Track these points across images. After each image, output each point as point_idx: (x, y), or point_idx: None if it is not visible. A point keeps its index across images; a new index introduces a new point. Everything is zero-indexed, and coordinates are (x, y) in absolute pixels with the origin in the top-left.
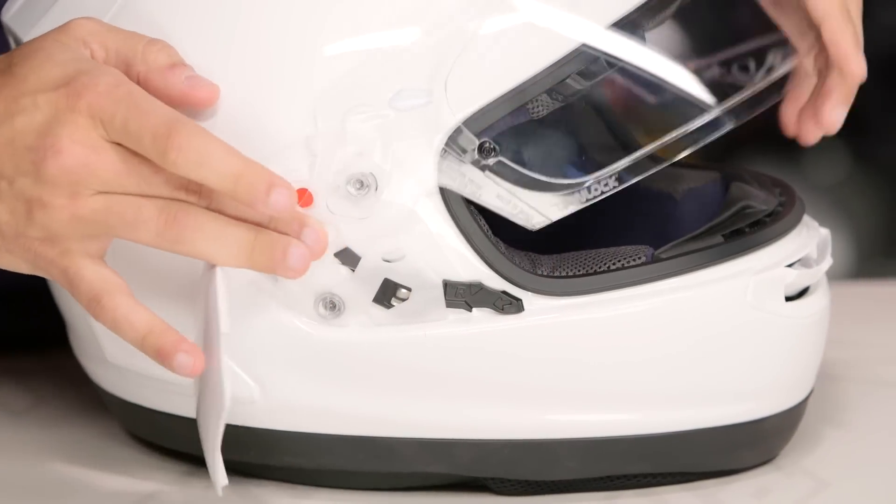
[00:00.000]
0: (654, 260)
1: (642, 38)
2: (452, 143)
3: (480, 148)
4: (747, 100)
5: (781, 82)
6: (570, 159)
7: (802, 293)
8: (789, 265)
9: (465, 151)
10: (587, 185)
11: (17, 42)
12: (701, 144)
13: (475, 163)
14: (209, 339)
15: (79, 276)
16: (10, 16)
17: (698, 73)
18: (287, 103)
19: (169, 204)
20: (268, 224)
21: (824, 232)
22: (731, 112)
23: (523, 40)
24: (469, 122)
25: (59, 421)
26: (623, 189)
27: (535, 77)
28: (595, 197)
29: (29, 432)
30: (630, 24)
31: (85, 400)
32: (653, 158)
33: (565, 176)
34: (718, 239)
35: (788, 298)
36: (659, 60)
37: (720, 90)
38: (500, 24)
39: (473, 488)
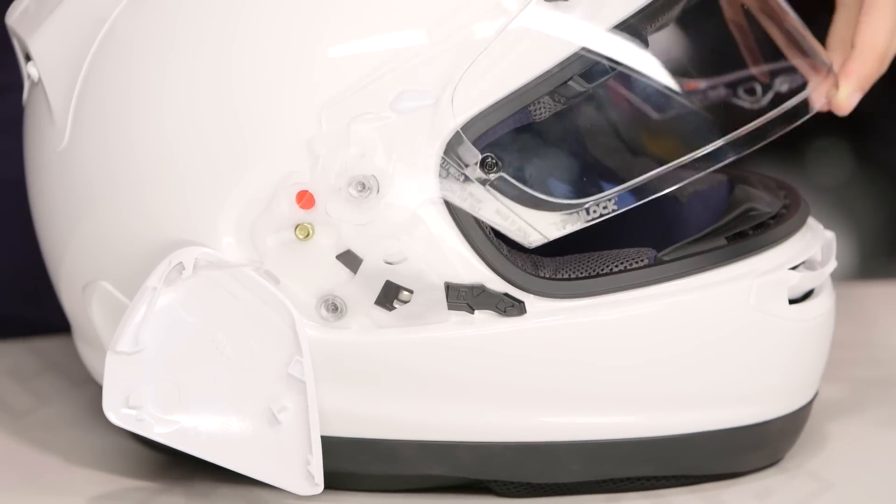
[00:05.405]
0: (658, 262)
1: (645, 42)
2: (454, 155)
3: (483, 162)
4: (757, 129)
5: (792, 114)
6: (572, 179)
7: (807, 296)
8: (793, 268)
9: (466, 165)
10: (587, 206)
11: (21, 44)
12: (703, 172)
13: (477, 177)
14: None
15: None
16: (14, 18)
17: (703, 93)
18: (290, 105)
19: None
20: None
21: (829, 234)
22: (738, 141)
23: (526, 43)
24: (471, 125)
25: (61, 421)
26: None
27: (537, 79)
28: (594, 219)
29: (31, 433)
30: (632, 28)
31: (87, 400)
32: (653, 184)
33: (566, 196)
34: (722, 241)
35: (793, 301)
36: (659, 67)
37: (725, 115)
38: (502, 27)
39: (476, 490)
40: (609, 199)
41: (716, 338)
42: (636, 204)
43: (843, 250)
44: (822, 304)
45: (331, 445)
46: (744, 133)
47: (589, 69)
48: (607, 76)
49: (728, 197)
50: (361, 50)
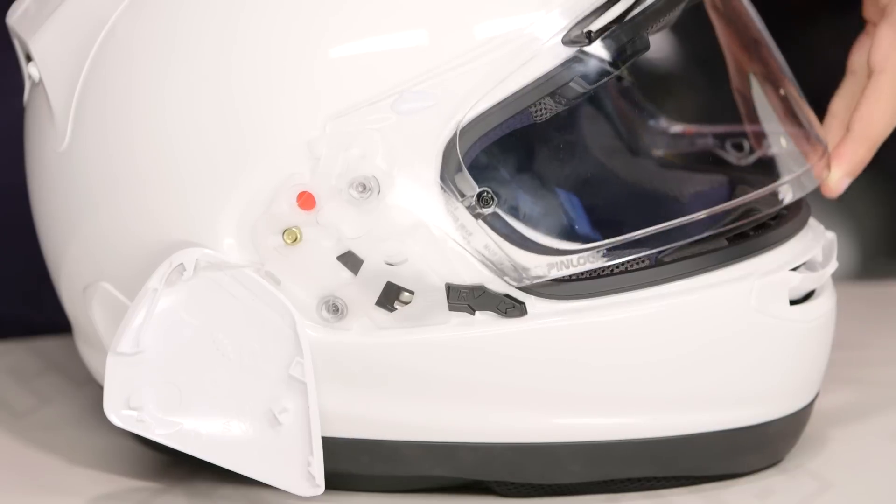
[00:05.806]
0: (658, 263)
1: (646, 43)
2: (452, 185)
3: (479, 196)
4: (751, 203)
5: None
6: (564, 227)
7: (808, 297)
8: (794, 269)
9: (463, 196)
10: (574, 255)
11: (22, 44)
12: (688, 240)
13: (471, 209)
14: None
15: None
16: (14, 18)
17: (691, 139)
18: (290, 106)
19: None
20: None
21: (830, 235)
22: (728, 213)
23: (526, 44)
24: (471, 128)
25: (62, 422)
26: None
27: (537, 81)
28: (580, 268)
29: (32, 433)
30: (632, 29)
31: (88, 401)
32: (644, 243)
33: (556, 242)
34: (723, 242)
35: (794, 302)
36: (659, 71)
37: (719, 186)
38: (502, 28)
39: (477, 490)
40: (597, 251)
41: (717, 339)
42: (624, 259)
43: (843, 251)
44: (824, 305)
45: (332, 446)
46: (737, 204)
47: (590, 71)
48: (608, 77)
49: (728, 197)
50: (363, 50)
